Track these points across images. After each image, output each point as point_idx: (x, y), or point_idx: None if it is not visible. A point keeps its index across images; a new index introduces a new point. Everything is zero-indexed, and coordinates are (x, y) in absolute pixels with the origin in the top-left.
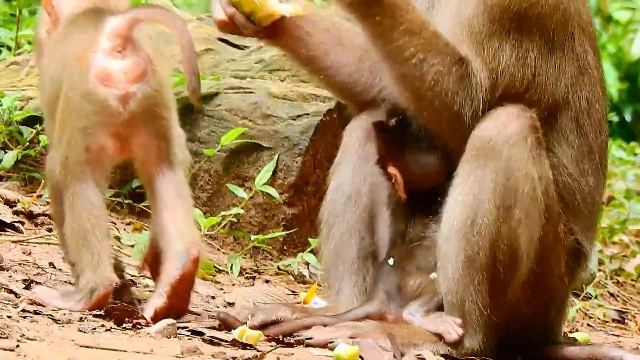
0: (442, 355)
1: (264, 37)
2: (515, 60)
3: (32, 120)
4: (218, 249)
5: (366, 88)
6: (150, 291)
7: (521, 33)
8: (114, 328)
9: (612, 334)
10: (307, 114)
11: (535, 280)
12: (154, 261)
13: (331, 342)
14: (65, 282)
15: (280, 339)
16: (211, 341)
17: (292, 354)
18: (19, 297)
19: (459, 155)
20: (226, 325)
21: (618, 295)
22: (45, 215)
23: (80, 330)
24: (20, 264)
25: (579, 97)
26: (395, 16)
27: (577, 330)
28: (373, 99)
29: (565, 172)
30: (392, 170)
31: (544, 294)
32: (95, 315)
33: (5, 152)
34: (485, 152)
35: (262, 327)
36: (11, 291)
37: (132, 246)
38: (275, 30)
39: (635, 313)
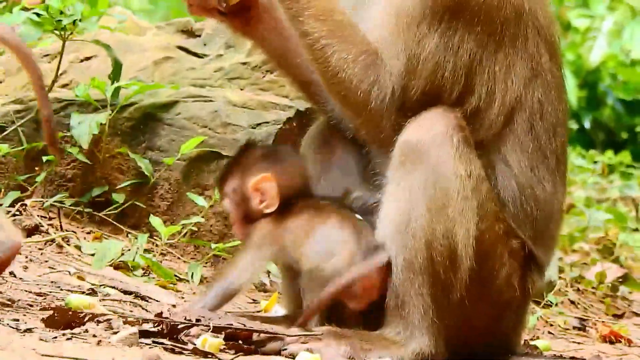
0: None
1: (237, 23)
2: (444, 49)
3: None
4: (178, 258)
5: None
6: (112, 299)
7: (457, 22)
8: (76, 337)
9: (573, 342)
10: (267, 122)
11: (480, 282)
12: None
13: (284, 349)
14: (26, 291)
15: (242, 347)
16: (172, 349)
17: None
18: None
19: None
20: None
21: (579, 303)
22: None
23: (41, 339)
24: None
25: (531, 99)
26: (301, 1)
27: (538, 338)
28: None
29: (516, 180)
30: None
31: (494, 298)
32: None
33: None
34: (412, 156)
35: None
36: None
37: (93, 255)
38: (248, 20)
39: (596, 320)
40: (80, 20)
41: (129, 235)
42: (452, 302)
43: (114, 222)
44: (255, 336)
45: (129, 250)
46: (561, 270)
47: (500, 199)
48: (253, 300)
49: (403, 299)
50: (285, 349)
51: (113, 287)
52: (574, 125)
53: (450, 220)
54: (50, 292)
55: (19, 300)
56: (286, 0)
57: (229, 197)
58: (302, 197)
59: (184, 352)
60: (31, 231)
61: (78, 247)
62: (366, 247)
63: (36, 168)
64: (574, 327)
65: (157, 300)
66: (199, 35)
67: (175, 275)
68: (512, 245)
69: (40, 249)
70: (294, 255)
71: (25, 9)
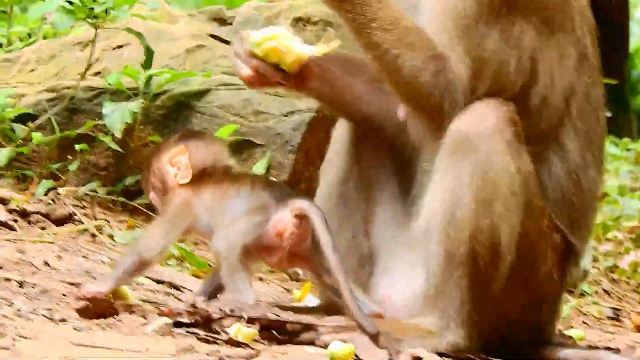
0: (437, 353)
1: (293, 86)
2: (505, 45)
3: (24, 118)
4: None
5: (389, 115)
6: (150, 290)
7: (515, 14)
8: (109, 326)
9: (607, 332)
10: (299, 111)
11: (521, 276)
12: None
13: (318, 339)
14: (60, 280)
15: (276, 337)
16: (206, 340)
17: (287, 352)
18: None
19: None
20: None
21: (612, 293)
22: (39, 213)
23: (75, 329)
24: (14, 262)
25: (581, 82)
26: (366, 13)
27: (572, 328)
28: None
29: (568, 166)
30: None
31: (533, 292)
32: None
33: None
34: (463, 146)
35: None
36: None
37: (126, 244)
38: (301, 75)
39: (630, 310)
40: (112, 9)
41: None
42: (490, 296)
43: (147, 211)
44: (288, 326)
45: None
46: (595, 260)
47: (545, 187)
48: (286, 289)
49: (441, 289)
50: (319, 339)
51: (146, 277)
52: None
53: (496, 214)
54: (84, 281)
55: (53, 289)
56: (348, 12)
57: (152, 185)
58: (219, 171)
59: (218, 341)
60: (64, 220)
61: (111, 236)
62: (279, 197)
63: (69, 157)
64: (608, 317)
65: (190, 290)
66: (231, 23)
67: (209, 264)
68: (554, 240)
69: (73, 238)
70: (209, 225)
71: None
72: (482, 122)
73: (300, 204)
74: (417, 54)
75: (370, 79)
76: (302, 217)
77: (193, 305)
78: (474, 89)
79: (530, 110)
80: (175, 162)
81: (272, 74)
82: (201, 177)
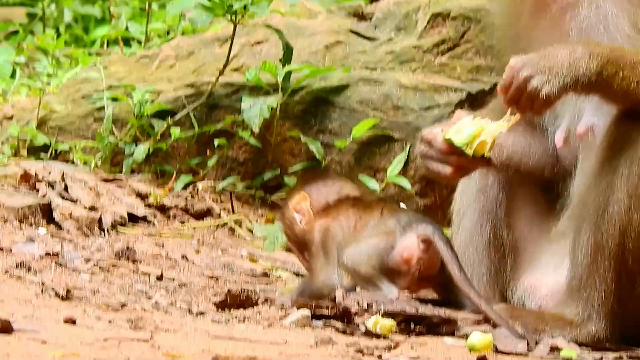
0: (577, 343)
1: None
2: None
3: (163, 114)
4: None
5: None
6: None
7: None
8: (248, 319)
9: None
10: (438, 105)
11: None
12: None
13: (458, 332)
14: (198, 274)
15: (415, 329)
16: (344, 331)
17: (426, 343)
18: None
19: None
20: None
21: None
22: (177, 208)
23: (214, 321)
24: (153, 256)
25: None
26: (625, 60)
27: None
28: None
29: None
30: None
31: None
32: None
33: (137, 146)
34: (620, 140)
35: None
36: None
37: (264, 238)
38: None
39: None
40: (251, 5)
41: None
42: (636, 292)
43: None
44: (428, 319)
45: None
46: None
47: None
48: None
49: (586, 281)
50: (459, 331)
51: (286, 269)
52: None
53: None
54: (222, 275)
55: (191, 283)
56: (619, 74)
57: (288, 236)
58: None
59: (356, 333)
60: (203, 215)
61: (250, 230)
62: (405, 222)
63: (208, 152)
64: None
65: None
66: (370, 19)
67: None
68: None
69: (212, 232)
70: (341, 246)
71: None
72: None
73: (424, 228)
74: None
75: (523, 128)
76: (428, 243)
77: (332, 299)
78: None
79: None
80: (299, 209)
81: (477, 164)
82: (328, 209)
